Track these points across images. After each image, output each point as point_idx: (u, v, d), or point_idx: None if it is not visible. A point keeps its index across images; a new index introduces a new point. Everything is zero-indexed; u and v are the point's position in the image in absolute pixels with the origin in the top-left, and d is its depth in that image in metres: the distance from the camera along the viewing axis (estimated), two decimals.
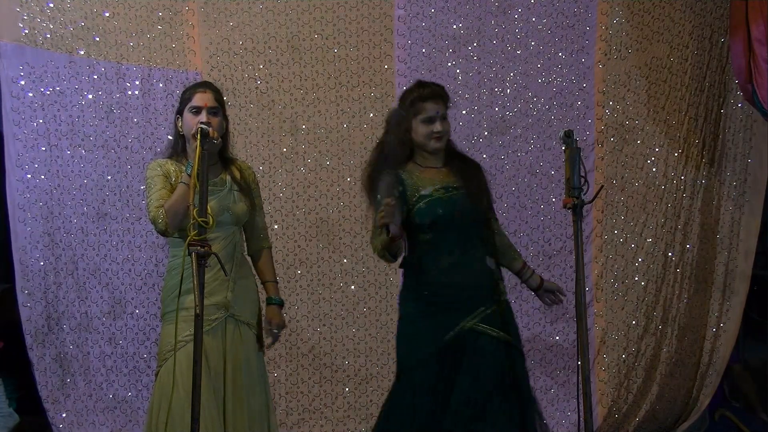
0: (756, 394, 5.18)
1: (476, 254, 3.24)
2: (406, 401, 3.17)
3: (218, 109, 3.29)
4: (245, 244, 3.47)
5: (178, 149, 3.35)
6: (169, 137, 3.62)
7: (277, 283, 3.50)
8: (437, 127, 3.23)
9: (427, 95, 3.25)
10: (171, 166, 3.29)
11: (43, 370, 4.64)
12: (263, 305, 3.44)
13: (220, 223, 3.22)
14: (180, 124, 3.31)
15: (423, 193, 3.23)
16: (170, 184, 3.24)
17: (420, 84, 3.34)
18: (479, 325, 3.17)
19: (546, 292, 3.41)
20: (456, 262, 3.20)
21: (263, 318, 3.41)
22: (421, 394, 3.14)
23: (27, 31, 4.54)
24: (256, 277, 3.50)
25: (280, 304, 3.44)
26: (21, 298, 4.64)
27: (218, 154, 3.33)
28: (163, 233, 3.22)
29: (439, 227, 3.21)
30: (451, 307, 3.18)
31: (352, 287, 4.81)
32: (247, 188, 3.37)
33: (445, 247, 3.22)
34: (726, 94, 4.81)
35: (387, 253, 3.19)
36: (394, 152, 3.30)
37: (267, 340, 3.41)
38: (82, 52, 4.62)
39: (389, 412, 3.24)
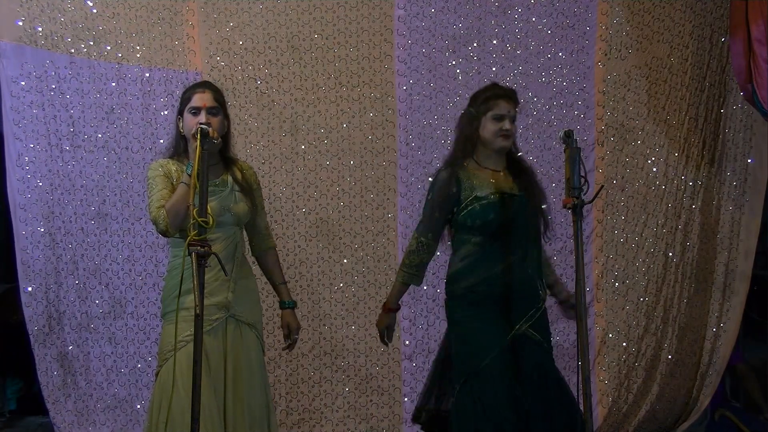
0: (759, 392, 5.19)
1: (524, 262, 3.28)
2: (484, 403, 3.17)
3: (218, 108, 3.29)
4: (247, 245, 3.47)
5: (179, 149, 3.35)
6: (167, 137, 3.62)
7: (287, 284, 3.53)
8: (507, 125, 3.28)
9: (500, 94, 3.32)
10: (172, 166, 3.29)
11: (44, 370, 4.65)
12: (263, 306, 3.46)
13: (221, 223, 3.22)
14: (181, 124, 3.32)
15: (479, 194, 3.26)
16: (171, 184, 3.24)
17: (495, 84, 3.43)
18: (530, 331, 3.24)
19: (570, 308, 3.45)
20: (504, 269, 3.24)
21: (282, 323, 3.46)
22: (497, 393, 3.17)
23: (27, 31, 4.54)
24: (257, 277, 3.50)
25: (294, 307, 3.48)
26: (23, 298, 4.65)
27: (219, 155, 3.33)
28: (164, 233, 3.22)
29: (489, 231, 3.25)
30: (503, 310, 3.24)
31: (352, 287, 4.81)
32: (249, 189, 3.37)
33: (494, 252, 3.25)
34: (726, 94, 4.81)
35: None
36: (459, 148, 3.36)
37: (285, 345, 3.48)
38: (82, 53, 4.62)
39: (467, 418, 3.21)
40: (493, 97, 3.31)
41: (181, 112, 3.32)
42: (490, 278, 3.24)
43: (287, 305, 3.47)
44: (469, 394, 3.20)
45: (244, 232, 3.45)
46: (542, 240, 3.39)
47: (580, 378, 2.99)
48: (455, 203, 3.27)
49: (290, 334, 3.46)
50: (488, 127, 3.29)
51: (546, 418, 3.20)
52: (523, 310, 3.24)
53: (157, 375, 3.26)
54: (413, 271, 3.37)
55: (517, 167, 3.39)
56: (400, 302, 3.47)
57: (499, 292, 3.24)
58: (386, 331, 3.44)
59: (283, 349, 3.52)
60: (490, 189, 3.27)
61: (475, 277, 3.26)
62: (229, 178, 3.34)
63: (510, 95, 3.35)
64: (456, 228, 3.33)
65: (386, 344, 3.49)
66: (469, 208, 3.25)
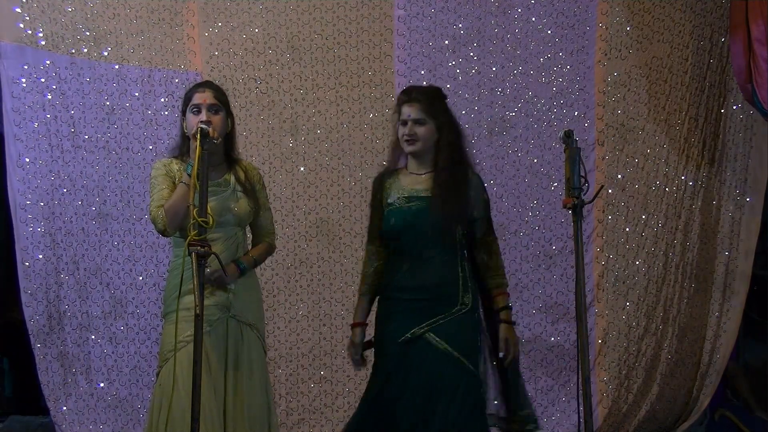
0: (749, 392, 5.19)
1: (434, 265, 3.21)
2: (366, 397, 3.30)
3: (219, 107, 3.28)
4: (250, 245, 3.47)
5: (183, 149, 3.36)
6: (167, 137, 3.62)
7: (254, 260, 3.36)
8: (407, 129, 3.23)
9: (403, 99, 3.27)
10: (175, 166, 3.29)
11: (45, 370, 4.65)
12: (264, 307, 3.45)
13: (222, 223, 3.22)
14: (184, 124, 3.32)
15: (388, 200, 3.29)
16: (173, 183, 3.24)
17: (404, 90, 3.36)
18: (432, 336, 3.16)
19: (502, 322, 3.27)
20: (411, 270, 3.22)
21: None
22: (381, 389, 3.22)
23: (28, 32, 4.55)
24: (258, 278, 3.49)
25: (242, 270, 3.29)
26: (23, 298, 4.66)
27: (224, 154, 3.33)
28: (163, 233, 3.22)
29: (395, 236, 3.25)
30: (407, 311, 3.20)
31: (352, 287, 4.80)
32: (252, 190, 3.36)
33: (402, 255, 3.25)
34: (726, 94, 4.81)
35: None
36: (389, 153, 3.40)
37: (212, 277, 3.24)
38: (82, 53, 4.62)
39: (361, 404, 3.33)
40: (398, 103, 3.29)
41: (183, 112, 3.33)
42: (396, 281, 3.24)
43: (240, 264, 3.28)
44: (369, 387, 3.32)
45: (247, 234, 3.44)
46: (480, 241, 3.26)
47: (580, 378, 2.99)
48: (381, 209, 3.31)
49: (212, 273, 3.18)
50: (398, 134, 3.29)
51: (414, 422, 3.12)
52: (427, 316, 3.17)
53: (157, 375, 3.26)
54: (368, 281, 3.35)
55: (445, 169, 3.26)
56: (365, 319, 3.37)
57: (405, 297, 3.21)
58: (352, 349, 3.37)
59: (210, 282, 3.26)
60: (399, 194, 3.27)
61: (386, 281, 3.28)
62: (232, 178, 3.34)
63: (411, 98, 3.25)
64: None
65: (356, 364, 3.39)
66: (383, 214, 3.29)
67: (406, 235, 3.23)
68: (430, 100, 3.27)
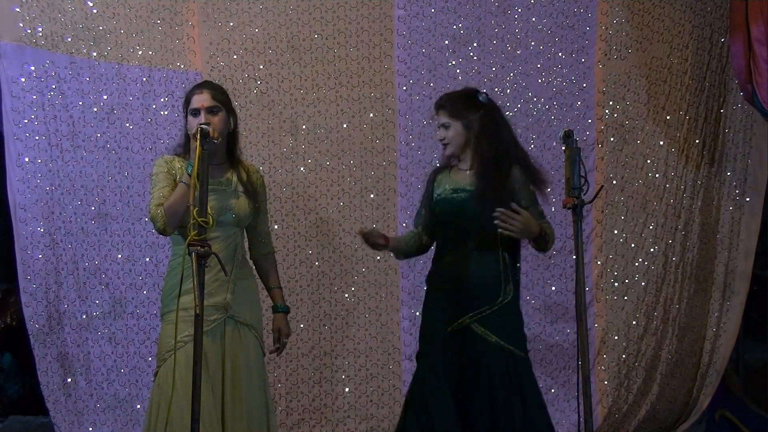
0: (741, 391, 5.19)
1: (475, 256, 3.35)
2: (420, 388, 3.35)
3: (218, 107, 3.28)
4: (247, 246, 3.47)
5: (187, 148, 3.36)
6: (167, 137, 3.60)
7: (281, 289, 3.53)
8: (440, 135, 3.50)
9: (436, 106, 3.51)
10: (178, 164, 3.30)
11: (44, 370, 4.65)
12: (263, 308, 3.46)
13: (221, 222, 3.22)
14: (187, 124, 3.33)
15: (436, 193, 3.53)
16: (174, 182, 3.25)
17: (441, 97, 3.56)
18: (478, 327, 3.30)
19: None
20: (454, 262, 3.38)
21: (272, 327, 3.46)
22: (431, 381, 3.30)
23: (27, 31, 4.54)
24: (257, 278, 3.50)
25: (286, 312, 3.48)
26: (23, 297, 4.65)
27: (226, 154, 3.33)
28: (162, 232, 3.22)
29: (442, 226, 3.47)
30: (454, 299, 3.35)
31: (352, 287, 4.81)
32: (253, 191, 3.37)
33: (446, 246, 3.46)
34: (726, 94, 4.81)
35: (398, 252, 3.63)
36: (442, 156, 3.61)
37: (273, 349, 3.46)
38: (82, 53, 4.62)
39: (421, 401, 3.35)
40: (434, 109, 3.53)
41: (185, 113, 3.33)
42: (440, 272, 3.46)
43: (280, 309, 3.48)
44: (413, 378, 3.44)
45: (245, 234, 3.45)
46: (502, 235, 3.32)
47: (580, 378, 3.00)
48: (430, 202, 3.56)
49: (280, 338, 3.46)
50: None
51: (483, 416, 3.24)
52: (472, 306, 3.31)
53: (156, 375, 3.25)
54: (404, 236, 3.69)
55: (485, 164, 3.43)
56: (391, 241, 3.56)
57: (447, 287, 3.39)
58: (370, 237, 3.49)
59: (271, 353, 3.51)
60: (445, 186, 3.49)
61: (432, 270, 3.52)
62: (234, 178, 3.34)
63: (439, 104, 3.50)
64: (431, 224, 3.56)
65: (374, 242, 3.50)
66: (431, 205, 3.52)
67: (450, 225, 3.43)
68: (454, 102, 3.47)
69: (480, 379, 3.27)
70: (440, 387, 3.29)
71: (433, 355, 3.36)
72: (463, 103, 3.46)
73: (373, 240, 3.48)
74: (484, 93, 3.52)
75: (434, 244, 3.59)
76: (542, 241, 3.39)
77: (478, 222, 3.34)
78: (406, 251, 3.63)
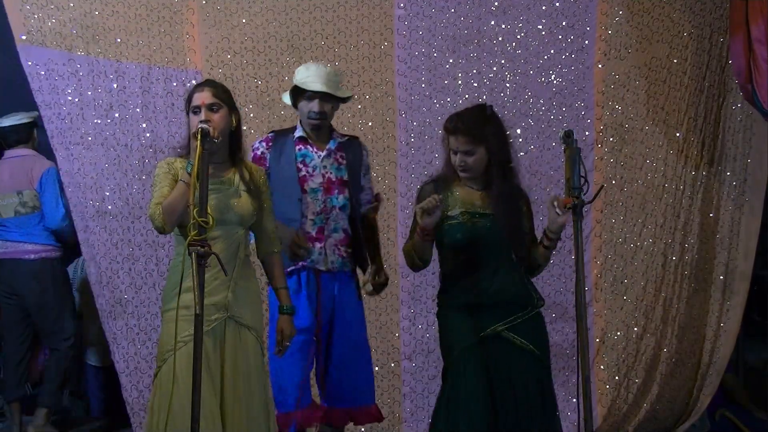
0: (748, 401, 5.19)
1: (502, 271, 3.29)
2: (457, 394, 3.25)
3: (219, 105, 3.27)
4: (251, 247, 3.46)
5: (189, 148, 3.35)
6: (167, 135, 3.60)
7: (288, 289, 3.51)
8: (458, 160, 3.29)
9: (450, 130, 3.31)
10: (179, 164, 3.29)
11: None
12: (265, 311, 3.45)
13: (223, 221, 3.21)
14: (190, 125, 3.32)
15: (450, 214, 3.30)
16: (175, 181, 3.24)
17: (451, 117, 3.36)
18: (509, 334, 3.25)
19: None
20: (483, 277, 3.28)
21: (276, 328, 3.44)
22: (467, 386, 3.24)
23: (27, 29, 4.54)
24: (259, 280, 3.49)
25: (292, 314, 3.46)
26: None
27: (228, 153, 3.33)
28: (161, 231, 3.21)
29: (461, 249, 3.31)
30: (482, 311, 3.27)
31: None
32: (256, 189, 3.35)
33: (469, 263, 3.31)
34: (726, 94, 4.82)
35: (416, 257, 3.36)
36: (444, 165, 3.41)
37: (277, 350, 3.44)
38: (81, 51, 4.61)
39: (448, 404, 3.29)
40: (445, 131, 3.33)
41: (188, 113, 3.33)
42: (462, 288, 3.31)
43: (285, 310, 3.46)
44: (445, 385, 3.33)
45: (251, 235, 3.43)
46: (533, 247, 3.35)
47: (579, 378, 3.00)
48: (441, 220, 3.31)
49: (282, 340, 3.44)
50: (451, 160, 3.34)
51: (517, 421, 3.22)
52: (501, 315, 3.26)
53: (156, 375, 3.24)
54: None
55: (498, 186, 3.32)
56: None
57: (472, 301, 3.28)
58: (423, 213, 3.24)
59: (275, 354, 3.48)
60: (460, 209, 3.31)
61: (457, 286, 3.34)
62: (236, 177, 3.32)
63: (457, 129, 3.27)
64: (437, 242, 3.37)
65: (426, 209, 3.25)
66: (442, 226, 3.29)
67: (472, 248, 3.29)
68: (475, 126, 3.27)
69: (511, 385, 3.23)
70: (472, 394, 3.22)
71: (462, 363, 3.27)
72: (483, 125, 3.28)
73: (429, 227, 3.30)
74: (490, 105, 3.37)
75: (441, 263, 3.43)
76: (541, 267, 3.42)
77: (503, 245, 3.29)
78: (426, 260, 3.42)
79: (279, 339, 3.44)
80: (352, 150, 3.79)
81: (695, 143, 4.82)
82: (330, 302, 3.71)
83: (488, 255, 3.29)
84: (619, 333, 4.80)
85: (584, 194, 3.09)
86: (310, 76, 3.69)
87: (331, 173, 3.71)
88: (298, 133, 3.74)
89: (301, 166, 3.68)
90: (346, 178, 3.73)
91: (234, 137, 3.33)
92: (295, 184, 3.66)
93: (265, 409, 3.32)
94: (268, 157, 3.72)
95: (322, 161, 3.71)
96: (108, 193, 4.68)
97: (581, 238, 3.08)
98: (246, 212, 3.29)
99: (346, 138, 3.83)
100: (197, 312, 2.78)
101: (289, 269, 3.61)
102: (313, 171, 3.69)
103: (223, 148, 3.26)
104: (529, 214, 3.41)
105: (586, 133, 4.81)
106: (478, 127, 3.26)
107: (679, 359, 4.83)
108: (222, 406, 3.21)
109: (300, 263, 3.64)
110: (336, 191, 3.70)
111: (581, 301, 3.05)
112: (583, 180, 3.08)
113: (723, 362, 4.83)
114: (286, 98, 3.80)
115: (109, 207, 4.67)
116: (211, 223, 2.90)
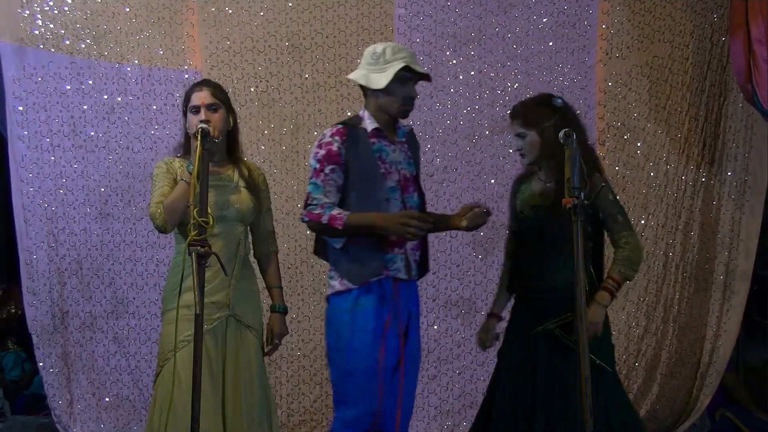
0: (749, 400, 5.19)
1: (561, 266, 3.27)
2: (498, 388, 3.35)
3: (218, 105, 3.28)
4: (251, 246, 3.46)
5: (186, 148, 3.36)
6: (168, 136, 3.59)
7: (281, 289, 3.51)
8: (517, 145, 3.38)
9: (510, 116, 3.40)
10: (177, 164, 3.30)
11: (47, 369, 4.66)
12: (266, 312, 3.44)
13: (223, 218, 3.22)
14: (186, 124, 3.33)
15: (519, 205, 3.46)
16: (174, 181, 3.25)
17: (516, 105, 3.44)
18: (560, 333, 3.25)
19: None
20: (539, 271, 3.33)
21: (266, 325, 3.43)
22: (507, 382, 3.32)
23: (28, 32, 4.55)
24: (259, 280, 3.49)
25: (284, 312, 3.46)
26: (26, 297, 4.67)
27: (226, 152, 3.33)
28: (161, 230, 3.22)
29: (524, 238, 3.43)
30: (538, 305, 3.31)
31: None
32: (255, 187, 3.37)
33: (531, 256, 3.38)
34: (726, 94, 4.80)
35: None
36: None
37: (267, 348, 3.42)
38: (82, 52, 4.62)
39: (488, 395, 3.42)
40: (507, 116, 3.44)
41: (185, 113, 3.33)
42: (521, 280, 3.41)
43: (277, 309, 3.45)
44: (492, 379, 3.45)
45: (249, 234, 3.44)
46: (616, 237, 3.37)
47: (580, 378, 2.99)
48: (515, 210, 3.49)
49: (272, 338, 3.43)
50: None
51: (550, 420, 3.22)
52: (555, 313, 3.26)
53: (157, 375, 3.25)
54: (507, 275, 3.54)
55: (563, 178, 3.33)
56: (501, 312, 3.54)
57: (528, 295, 3.37)
58: (481, 334, 3.52)
59: (265, 354, 3.46)
60: (525, 201, 3.42)
61: (514, 276, 3.47)
62: (235, 174, 3.34)
63: (513, 114, 3.39)
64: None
65: (481, 346, 3.53)
66: (513, 215, 3.48)
67: (530, 240, 3.37)
68: (528, 110, 3.35)
69: (550, 384, 3.23)
70: (512, 387, 3.29)
71: (511, 356, 3.36)
72: (537, 110, 3.32)
73: (487, 341, 3.50)
74: (560, 98, 3.34)
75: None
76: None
77: (560, 238, 3.25)
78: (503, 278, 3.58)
79: (269, 338, 3.42)
80: (413, 142, 3.41)
81: (696, 143, 4.82)
82: (406, 317, 3.27)
83: (546, 246, 3.32)
84: (620, 333, 4.79)
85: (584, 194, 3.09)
86: (409, 56, 3.22)
87: (404, 169, 3.27)
88: (372, 124, 3.21)
89: (379, 162, 3.19)
90: (415, 173, 3.33)
91: (231, 137, 3.34)
92: (381, 182, 3.17)
93: (266, 410, 3.33)
94: (343, 153, 3.16)
95: (396, 155, 3.26)
96: (111, 195, 4.69)
97: (581, 238, 3.07)
98: (245, 208, 3.30)
99: (410, 128, 3.41)
100: (197, 312, 2.79)
101: (370, 279, 3.16)
102: (390, 167, 3.22)
103: (221, 148, 3.28)
104: (608, 200, 3.32)
105: (588, 132, 4.80)
106: (532, 111, 3.34)
107: (679, 359, 4.82)
108: (223, 405, 3.21)
109: (384, 272, 3.17)
110: (411, 189, 3.28)
111: (581, 301, 3.04)
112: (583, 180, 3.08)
113: (723, 362, 4.82)
114: (382, 81, 3.15)
115: (112, 209, 4.68)
116: (211, 223, 2.90)
